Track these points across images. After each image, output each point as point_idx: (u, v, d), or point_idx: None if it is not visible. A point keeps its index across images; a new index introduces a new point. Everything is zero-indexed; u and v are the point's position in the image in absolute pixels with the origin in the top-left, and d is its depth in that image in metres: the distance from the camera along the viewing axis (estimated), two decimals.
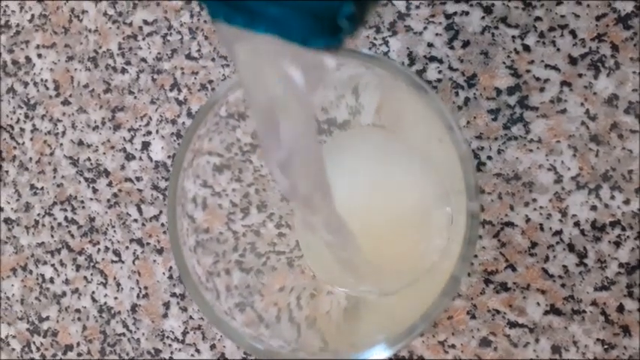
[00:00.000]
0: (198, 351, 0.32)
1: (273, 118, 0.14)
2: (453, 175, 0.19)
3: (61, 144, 0.35)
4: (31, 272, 0.35)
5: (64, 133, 0.35)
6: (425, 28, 0.29)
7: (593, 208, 0.27)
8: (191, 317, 0.32)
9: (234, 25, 0.13)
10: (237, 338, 0.19)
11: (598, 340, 0.26)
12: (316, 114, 0.15)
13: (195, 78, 0.33)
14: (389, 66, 0.18)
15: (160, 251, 0.33)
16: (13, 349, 0.35)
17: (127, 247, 0.33)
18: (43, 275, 0.35)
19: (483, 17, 0.28)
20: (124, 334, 0.33)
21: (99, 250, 0.34)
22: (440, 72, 0.29)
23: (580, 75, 0.27)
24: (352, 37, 0.13)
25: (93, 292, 0.34)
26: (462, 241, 0.17)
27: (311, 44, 0.12)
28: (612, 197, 0.27)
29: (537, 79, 0.28)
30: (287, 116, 0.14)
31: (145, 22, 0.33)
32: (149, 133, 0.33)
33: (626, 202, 0.27)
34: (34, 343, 0.34)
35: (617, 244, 0.26)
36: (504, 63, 0.28)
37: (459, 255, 0.17)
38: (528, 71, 0.28)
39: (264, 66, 0.13)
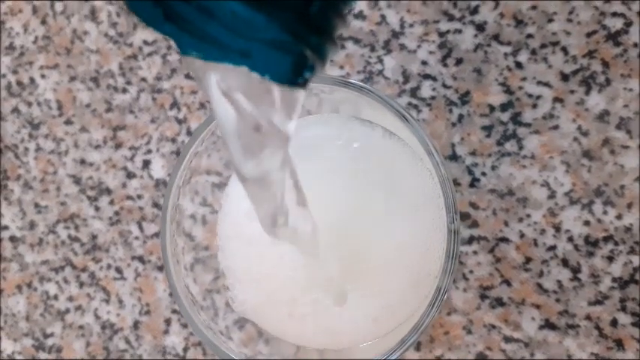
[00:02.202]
0: None
1: (248, 145, 0.14)
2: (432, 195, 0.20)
3: (64, 163, 0.35)
4: (35, 289, 0.35)
5: (66, 152, 0.35)
6: (419, 46, 0.30)
7: (586, 223, 0.27)
8: (191, 334, 0.32)
9: (204, 60, 0.13)
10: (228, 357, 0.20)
11: (592, 354, 0.27)
12: (290, 138, 0.15)
13: (194, 97, 0.33)
14: (374, 95, 0.18)
15: (160, 268, 0.33)
16: None
17: (129, 265, 0.34)
18: (47, 292, 0.35)
19: (476, 35, 0.29)
20: (126, 350, 0.33)
21: (101, 267, 0.34)
22: (434, 89, 0.29)
23: (572, 91, 0.28)
24: (317, 74, 0.13)
25: (96, 309, 0.34)
26: (444, 254, 0.18)
27: (277, 79, 0.13)
28: (605, 212, 0.27)
29: (530, 95, 0.28)
30: (261, 144, 0.14)
31: (145, 42, 0.34)
32: (149, 151, 0.34)
33: (619, 217, 0.27)
34: (39, 359, 0.35)
35: (610, 259, 0.27)
36: (497, 80, 0.29)
37: (441, 268, 0.18)
38: (521, 88, 0.28)
39: (236, 95, 0.14)
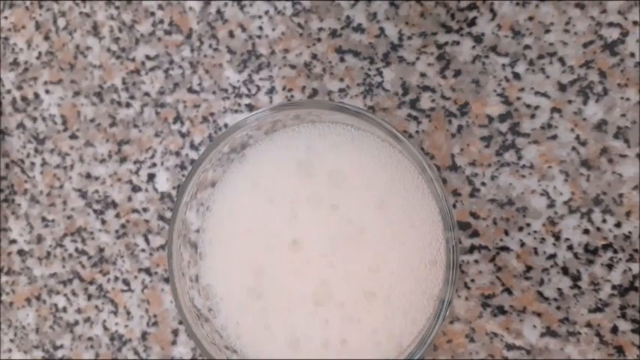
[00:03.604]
0: None
1: None
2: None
3: (70, 177, 0.36)
4: (44, 302, 0.36)
5: (72, 166, 0.36)
6: (417, 58, 0.30)
7: (586, 231, 0.28)
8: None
9: None
10: None
11: None
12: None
13: (197, 111, 0.34)
14: (368, 118, 0.18)
15: (167, 280, 0.34)
16: None
17: (136, 277, 0.34)
18: (56, 305, 0.36)
19: (474, 47, 0.29)
20: None
21: (109, 279, 0.35)
22: (433, 101, 0.30)
23: (569, 101, 0.28)
24: None
25: (104, 321, 0.35)
26: (444, 265, 0.18)
27: None
28: (604, 221, 0.27)
29: (528, 106, 0.28)
30: None
31: (147, 57, 0.35)
32: (154, 165, 0.34)
33: (618, 225, 0.27)
34: None
35: (610, 267, 0.27)
36: (495, 91, 0.29)
37: (442, 279, 0.18)
38: (519, 98, 0.29)
39: None
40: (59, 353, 0.35)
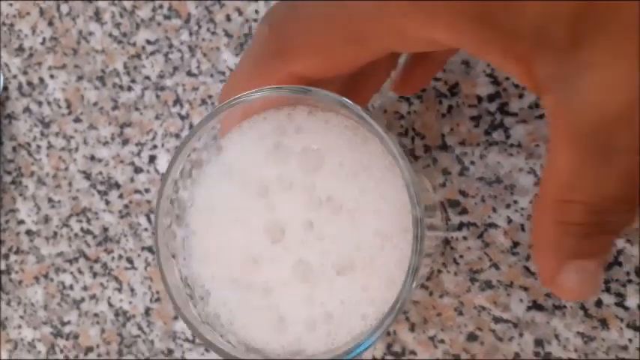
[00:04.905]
0: (207, 350, 0.34)
1: None
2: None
3: (75, 159, 0.37)
4: (52, 280, 0.37)
5: (77, 148, 0.37)
6: None
7: None
8: None
9: None
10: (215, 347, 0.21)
11: (578, 333, 0.28)
12: None
13: (195, 94, 0.34)
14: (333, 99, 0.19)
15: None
16: (39, 352, 0.37)
17: (139, 255, 0.35)
18: (63, 283, 0.37)
19: None
20: (139, 336, 0.35)
21: (113, 258, 0.36)
22: None
23: None
24: None
25: (109, 298, 0.36)
26: (411, 251, 0.19)
27: None
28: None
29: (516, 86, 0.29)
30: None
31: (148, 41, 0.35)
32: (155, 147, 0.35)
33: None
34: (57, 345, 0.37)
35: None
36: (484, 72, 0.30)
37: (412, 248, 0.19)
38: (507, 79, 0.29)
39: None
40: (67, 329, 0.37)
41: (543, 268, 0.20)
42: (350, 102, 0.19)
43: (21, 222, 0.38)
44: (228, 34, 0.34)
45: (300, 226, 0.21)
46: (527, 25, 0.18)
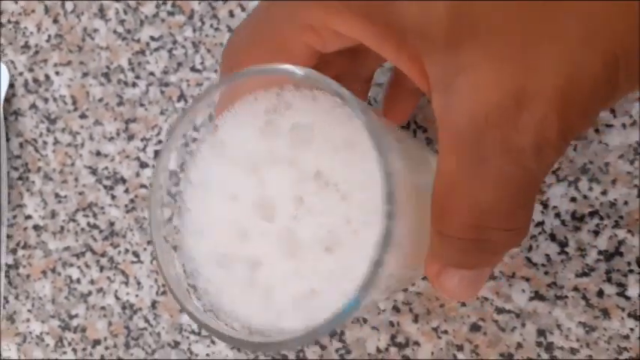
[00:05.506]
0: (213, 342, 0.34)
1: None
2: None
3: (81, 155, 0.37)
4: (59, 274, 0.38)
5: (82, 144, 0.37)
6: None
7: (573, 199, 0.28)
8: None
9: None
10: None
11: (580, 323, 0.28)
12: None
13: (199, 89, 0.35)
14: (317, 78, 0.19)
15: (175, 249, 0.35)
16: (48, 345, 0.38)
17: (145, 249, 0.36)
18: (70, 276, 0.38)
19: None
20: (145, 329, 0.36)
21: (119, 251, 0.36)
22: None
23: None
24: None
25: (116, 291, 0.36)
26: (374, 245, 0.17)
27: None
28: (590, 189, 0.28)
29: None
30: None
31: (152, 37, 0.36)
32: (160, 142, 0.36)
33: (604, 192, 0.28)
34: (65, 338, 0.38)
35: (596, 233, 0.28)
36: None
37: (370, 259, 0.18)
38: None
39: None
40: (74, 322, 0.37)
41: (428, 267, 0.21)
42: (334, 83, 0.19)
43: (28, 217, 0.39)
44: (231, 30, 0.34)
45: (289, 201, 0.21)
46: (412, 25, 0.17)
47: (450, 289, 0.21)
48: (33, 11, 0.38)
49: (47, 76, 0.38)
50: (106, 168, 0.37)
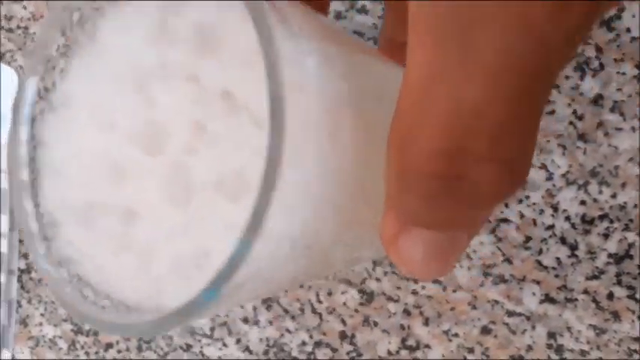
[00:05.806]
0: (225, 345, 0.35)
1: None
2: None
3: None
4: None
5: None
6: None
7: (583, 202, 0.29)
8: (217, 315, 0.35)
9: None
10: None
11: (590, 325, 0.28)
12: None
13: None
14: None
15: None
16: (61, 348, 0.38)
17: None
18: None
19: None
20: None
21: None
22: None
23: (567, 77, 0.29)
24: None
25: None
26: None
27: None
28: (600, 192, 0.28)
29: None
30: None
31: None
32: None
33: (613, 196, 0.28)
34: (78, 342, 0.38)
35: (606, 236, 0.28)
36: None
37: None
38: None
39: None
40: (87, 326, 0.38)
41: (384, 225, 0.15)
42: None
43: None
44: None
45: (185, 128, 0.15)
46: None
47: (410, 258, 0.15)
48: (42, 16, 0.39)
49: (54, 84, 0.38)
50: None
